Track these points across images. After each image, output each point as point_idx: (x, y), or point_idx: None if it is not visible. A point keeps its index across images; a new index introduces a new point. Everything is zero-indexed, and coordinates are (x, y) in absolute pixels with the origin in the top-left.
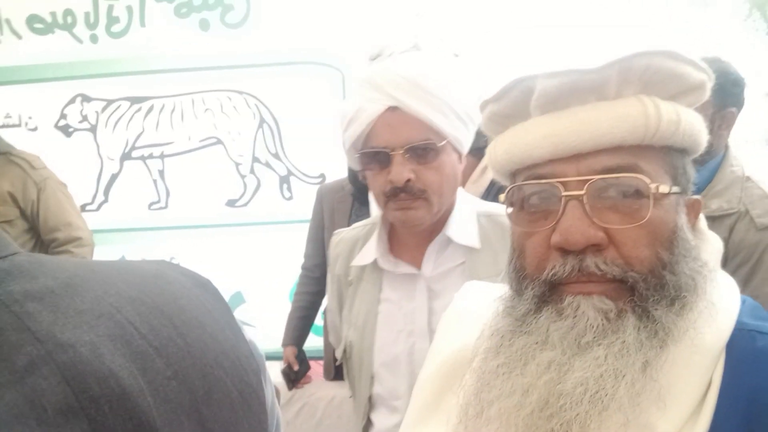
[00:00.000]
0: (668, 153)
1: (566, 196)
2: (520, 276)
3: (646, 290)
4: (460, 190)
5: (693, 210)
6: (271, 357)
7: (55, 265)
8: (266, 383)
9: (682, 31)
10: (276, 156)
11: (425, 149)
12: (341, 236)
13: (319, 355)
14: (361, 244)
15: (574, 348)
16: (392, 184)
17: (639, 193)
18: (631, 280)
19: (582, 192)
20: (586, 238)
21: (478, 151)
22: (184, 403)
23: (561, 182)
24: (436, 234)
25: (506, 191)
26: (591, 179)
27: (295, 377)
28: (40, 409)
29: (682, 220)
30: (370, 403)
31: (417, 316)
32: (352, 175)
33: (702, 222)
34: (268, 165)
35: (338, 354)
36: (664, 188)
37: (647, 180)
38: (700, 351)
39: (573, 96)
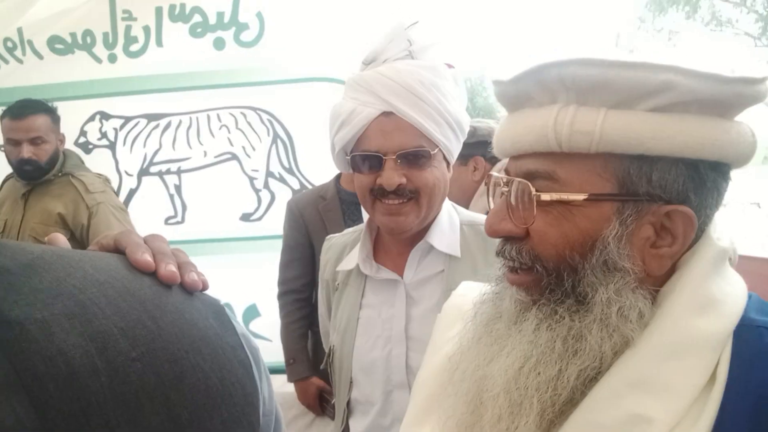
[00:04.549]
0: (609, 159)
1: (502, 190)
2: None
3: (549, 284)
4: (446, 200)
5: (680, 221)
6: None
7: (19, 248)
8: (261, 378)
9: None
10: (289, 170)
11: (417, 156)
12: (332, 242)
13: None
14: (349, 249)
15: (510, 325)
16: (382, 188)
17: (531, 199)
18: (537, 271)
19: (508, 189)
20: (493, 230)
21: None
22: (147, 385)
23: (502, 178)
24: (419, 241)
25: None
26: (513, 180)
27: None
28: None
29: (613, 227)
30: (349, 408)
31: (395, 323)
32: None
33: (684, 228)
34: (281, 179)
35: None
36: (577, 196)
37: (533, 189)
38: (692, 343)
39: (517, 101)
